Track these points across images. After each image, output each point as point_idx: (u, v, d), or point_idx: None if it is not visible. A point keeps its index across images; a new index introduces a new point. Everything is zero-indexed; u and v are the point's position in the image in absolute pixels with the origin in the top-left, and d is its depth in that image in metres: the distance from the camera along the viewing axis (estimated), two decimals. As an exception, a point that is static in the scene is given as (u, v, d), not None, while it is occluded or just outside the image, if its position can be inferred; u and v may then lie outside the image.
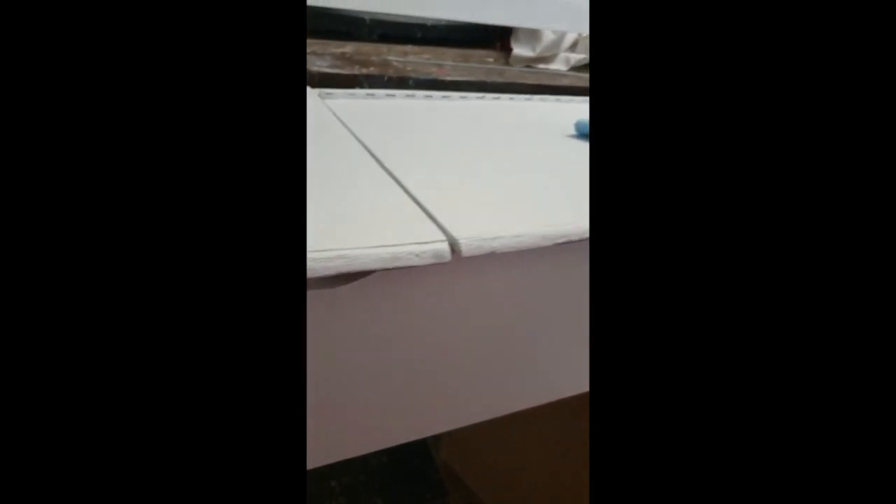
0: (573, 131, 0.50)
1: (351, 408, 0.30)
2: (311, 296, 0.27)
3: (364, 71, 0.70)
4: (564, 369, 0.36)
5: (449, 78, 0.72)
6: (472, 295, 0.31)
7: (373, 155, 0.39)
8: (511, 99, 0.61)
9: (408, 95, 0.54)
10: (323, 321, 0.27)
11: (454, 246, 0.29)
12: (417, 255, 0.28)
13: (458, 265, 0.29)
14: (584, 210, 0.34)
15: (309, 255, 0.25)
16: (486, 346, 0.32)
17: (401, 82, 0.70)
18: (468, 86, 0.72)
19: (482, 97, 0.62)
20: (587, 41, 0.83)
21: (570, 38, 0.82)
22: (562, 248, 0.32)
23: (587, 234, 0.32)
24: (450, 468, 0.84)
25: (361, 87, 0.68)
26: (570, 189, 0.37)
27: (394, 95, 0.54)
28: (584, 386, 0.38)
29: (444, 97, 0.57)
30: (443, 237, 0.29)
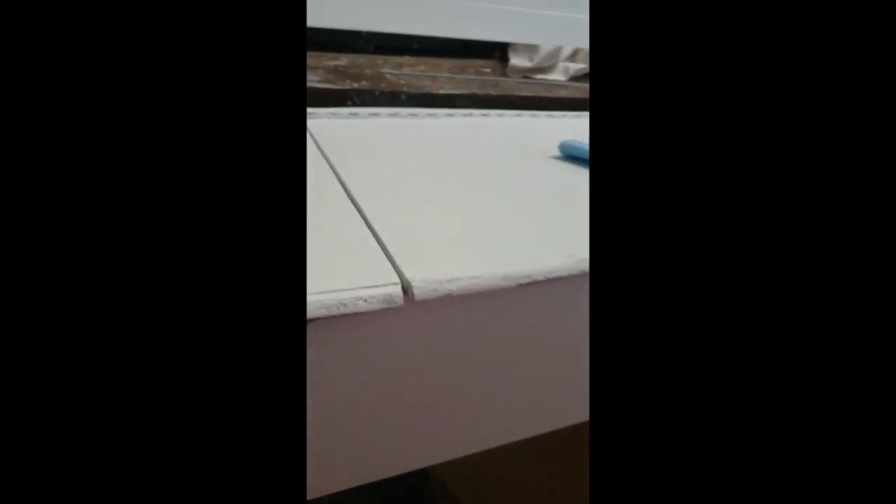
0: (558, 152, 0.48)
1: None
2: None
3: (356, 85, 0.69)
4: (529, 409, 0.35)
5: (442, 91, 0.71)
6: (427, 339, 0.29)
7: (342, 183, 0.38)
8: (500, 115, 0.60)
9: (392, 114, 0.53)
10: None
11: (407, 289, 0.28)
12: (366, 301, 0.27)
13: (411, 309, 0.28)
14: (556, 245, 0.33)
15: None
16: (443, 389, 0.31)
17: (393, 97, 0.69)
18: (461, 99, 0.71)
19: (469, 114, 0.61)
20: (587, 51, 0.81)
21: (568, 48, 0.80)
22: (525, 289, 0.30)
23: (554, 274, 0.31)
24: (445, 486, 0.83)
25: (353, 101, 0.67)
26: (545, 220, 0.36)
27: (378, 115, 0.53)
28: (549, 425, 0.36)
29: (429, 115, 0.55)
30: (396, 279, 0.28)
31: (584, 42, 0.73)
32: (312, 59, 0.75)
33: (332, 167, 0.40)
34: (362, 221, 0.33)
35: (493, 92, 0.73)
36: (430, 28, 0.73)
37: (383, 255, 0.30)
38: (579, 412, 0.37)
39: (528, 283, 0.30)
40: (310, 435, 0.28)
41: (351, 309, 0.26)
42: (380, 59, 0.80)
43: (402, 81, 0.72)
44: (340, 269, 0.28)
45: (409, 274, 0.28)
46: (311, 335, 0.26)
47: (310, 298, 0.26)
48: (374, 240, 0.31)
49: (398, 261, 0.29)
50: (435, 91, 0.71)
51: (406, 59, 0.83)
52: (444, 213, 0.35)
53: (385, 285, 0.27)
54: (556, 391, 0.35)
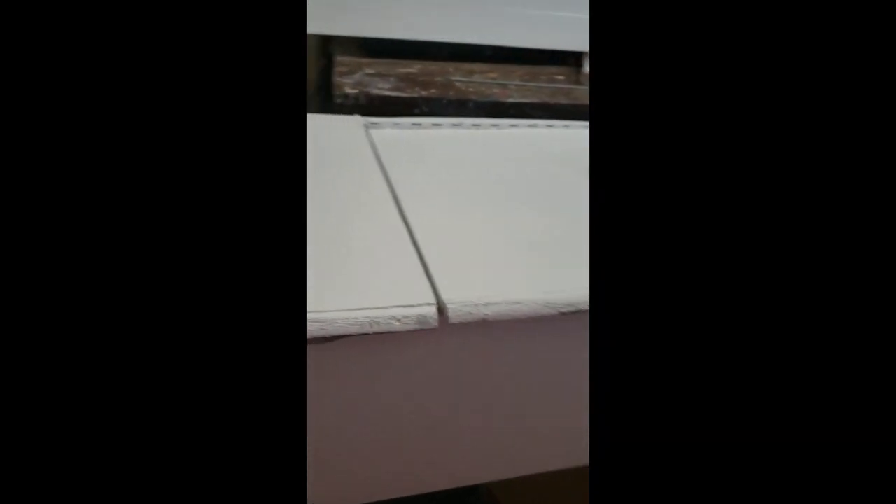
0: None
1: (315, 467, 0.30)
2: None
3: (424, 93, 0.69)
4: (564, 441, 0.33)
5: (511, 100, 0.69)
6: (459, 362, 0.29)
7: (394, 196, 0.38)
8: (566, 126, 0.58)
9: (455, 125, 0.53)
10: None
11: (442, 310, 0.27)
12: (399, 321, 0.27)
13: (445, 331, 0.27)
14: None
15: (282, 317, 0.25)
16: (471, 415, 0.30)
17: (460, 105, 0.69)
18: (531, 108, 0.69)
19: (534, 125, 0.60)
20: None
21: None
22: (567, 317, 0.29)
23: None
24: (494, 498, 0.82)
25: (420, 110, 0.68)
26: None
27: (440, 125, 0.53)
28: (580, 460, 0.34)
29: (493, 125, 0.55)
30: (432, 300, 0.27)
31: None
32: (385, 66, 0.77)
33: (387, 179, 0.40)
34: (408, 237, 0.33)
35: (564, 100, 0.71)
36: (498, 37, 0.72)
37: (423, 274, 0.30)
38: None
39: (572, 312, 0.29)
40: (326, 450, 0.29)
41: (383, 328, 0.26)
42: (451, 66, 0.80)
43: (471, 89, 0.72)
44: (379, 285, 0.28)
45: (446, 296, 0.27)
46: (341, 352, 0.26)
47: (342, 315, 0.26)
48: (416, 256, 0.31)
49: (437, 281, 0.29)
50: (503, 99, 0.70)
51: (478, 66, 0.82)
52: (492, 233, 0.34)
53: (420, 305, 0.27)
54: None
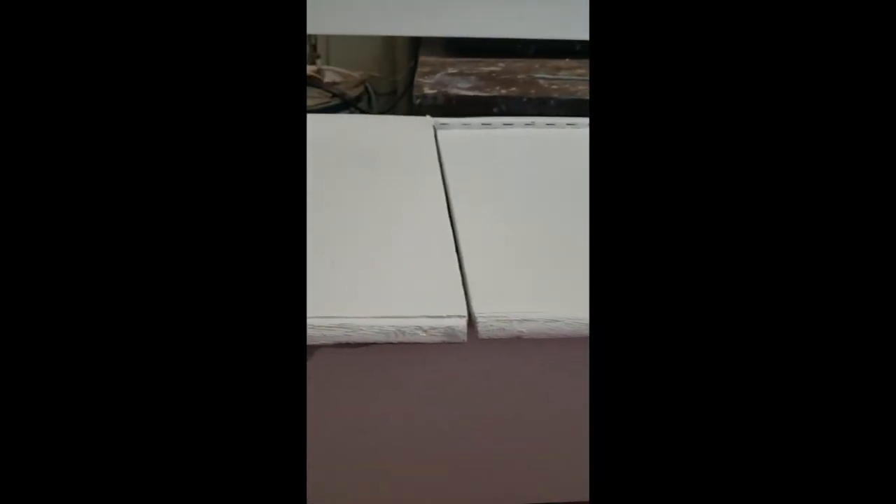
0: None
1: (326, 477, 0.29)
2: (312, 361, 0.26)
3: (504, 92, 0.67)
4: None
5: (595, 97, 0.65)
6: (487, 379, 0.27)
7: (448, 200, 0.37)
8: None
9: (527, 124, 0.51)
10: (322, 385, 0.27)
11: (473, 323, 0.26)
12: (426, 332, 0.26)
13: (474, 346, 0.26)
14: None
15: (309, 322, 0.25)
16: (494, 436, 0.28)
17: (541, 103, 0.66)
18: (617, 106, 0.65)
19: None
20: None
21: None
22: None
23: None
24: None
25: (499, 108, 0.66)
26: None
27: (511, 125, 0.51)
28: None
29: (568, 124, 0.52)
30: (464, 312, 0.26)
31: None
32: (468, 65, 0.76)
33: (444, 183, 0.40)
34: (453, 243, 0.32)
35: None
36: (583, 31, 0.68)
37: (460, 284, 0.28)
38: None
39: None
40: (333, 459, 0.28)
41: (409, 338, 0.26)
42: (537, 62, 0.77)
43: (554, 86, 0.69)
44: (412, 293, 0.27)
45: (478, 308, 0.26)
46: (364, 359, 0.26)
47: (367, 322, 0.25)
48: (457, 265, 0.30)
49: (472, 291, 0.27)
50: (587, 97, 0.66)
51: (566, 62, 0.79)
52: (540, 243, 0.32)
53: (449, 317, 0.26)
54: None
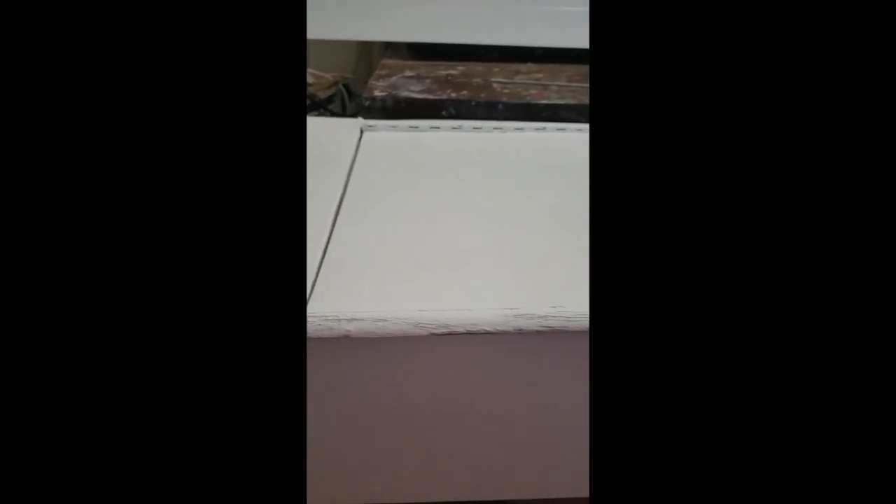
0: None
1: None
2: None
3: (454, 95, 0.67)
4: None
5: (545, 101, 0.65)
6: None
7: (340, 202, 0.37)
8: (579, 131, 0.52)
9: (454, 128, 0.50)
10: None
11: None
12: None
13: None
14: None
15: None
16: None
17: (489, 107, 0.66)
18: (566, 110, 0.64)
19: (562, 128, 0.55)
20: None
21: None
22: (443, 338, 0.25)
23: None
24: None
25: (448, 112, 0.66)
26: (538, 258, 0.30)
27: (438, 128, 0.50)
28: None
29: (495, 128, 0.51)
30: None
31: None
32: (427, 68, 0.76)
33: (345, 184, 0.39)
34: (323, 245, 0.32)
35: (607, 102, 0.64)
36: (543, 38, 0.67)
37: (312, 282, 0.28)
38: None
39: (446, 334, 0.25)
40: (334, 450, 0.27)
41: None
42: (497, 67, 0.77)
43: (506, 91, 0.68)
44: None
45: (313, 307, 0.26)
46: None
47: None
48: (317, 263, 0.29)
49: (318, 289, 0.27)
50: (538, 101, 0.65)
51: (528, 66, 0.78)
52: (412, 245, 0.31)
53: None
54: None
